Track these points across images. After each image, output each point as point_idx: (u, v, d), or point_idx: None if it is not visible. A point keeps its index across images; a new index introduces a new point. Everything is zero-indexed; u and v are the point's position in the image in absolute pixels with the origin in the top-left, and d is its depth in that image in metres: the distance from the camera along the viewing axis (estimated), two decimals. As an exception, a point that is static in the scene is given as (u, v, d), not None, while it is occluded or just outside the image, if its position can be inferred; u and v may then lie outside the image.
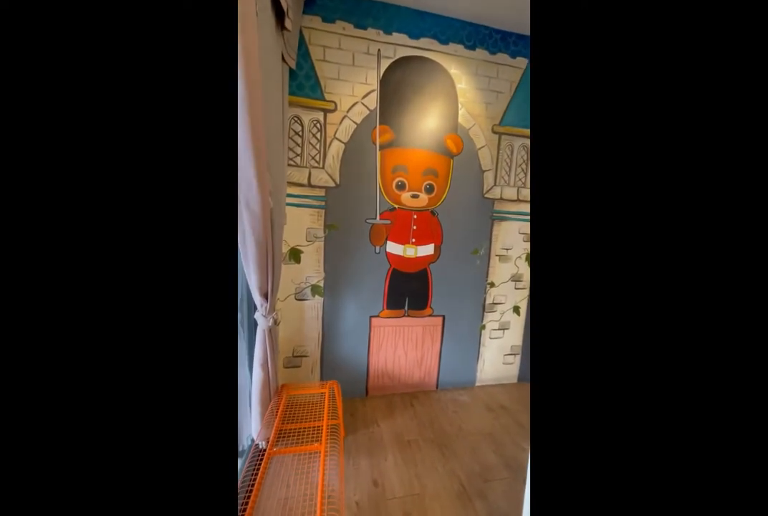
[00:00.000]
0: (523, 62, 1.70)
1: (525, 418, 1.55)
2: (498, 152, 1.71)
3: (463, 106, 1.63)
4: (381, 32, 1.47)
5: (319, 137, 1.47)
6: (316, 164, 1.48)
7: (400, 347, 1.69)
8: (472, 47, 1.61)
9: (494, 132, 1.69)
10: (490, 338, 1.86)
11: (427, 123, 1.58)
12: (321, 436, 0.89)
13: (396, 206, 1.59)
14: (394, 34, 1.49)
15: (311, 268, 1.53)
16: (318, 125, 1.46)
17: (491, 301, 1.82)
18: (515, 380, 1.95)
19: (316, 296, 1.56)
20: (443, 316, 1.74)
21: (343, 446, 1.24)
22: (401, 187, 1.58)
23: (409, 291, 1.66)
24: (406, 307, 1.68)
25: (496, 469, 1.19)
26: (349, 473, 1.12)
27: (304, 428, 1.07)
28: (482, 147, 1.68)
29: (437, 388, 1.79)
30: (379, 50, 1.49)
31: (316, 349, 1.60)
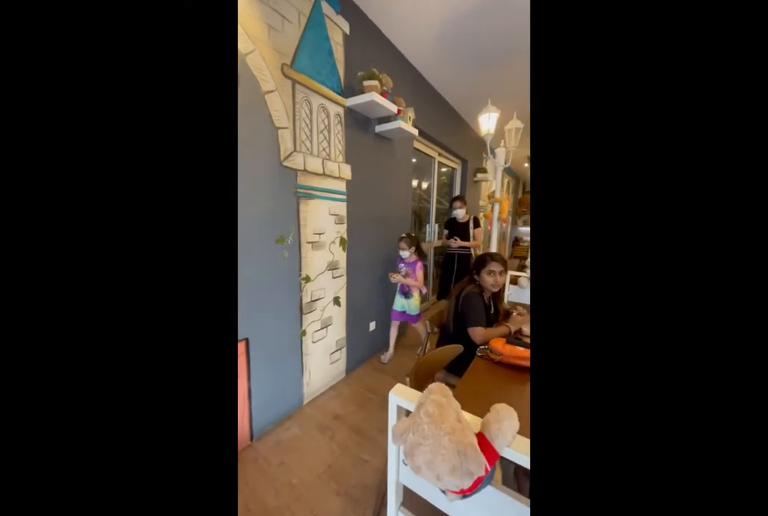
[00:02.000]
0: (311, -7, 1.32)
1: (359, 419, 1.41)
2: (294, 106, 1.29)
3: (231, 11, 1.02)
4: None
5: None
6: None
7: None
8: None
9: (286, 76, 1.23)
10: (313, 342, 1.55)
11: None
12: None
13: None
14: None
15: None
16: None
17: (309, 300, 1.49)
18: (344, 375, 1.82)
19: None
20: (246, 340, 1.19)
21: None
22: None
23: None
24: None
25: (344, 519, 0.93)
26: None
27: None
28: (271, 91, 1.18)
29: (252, 439, 1.27)
30: None
31: None
